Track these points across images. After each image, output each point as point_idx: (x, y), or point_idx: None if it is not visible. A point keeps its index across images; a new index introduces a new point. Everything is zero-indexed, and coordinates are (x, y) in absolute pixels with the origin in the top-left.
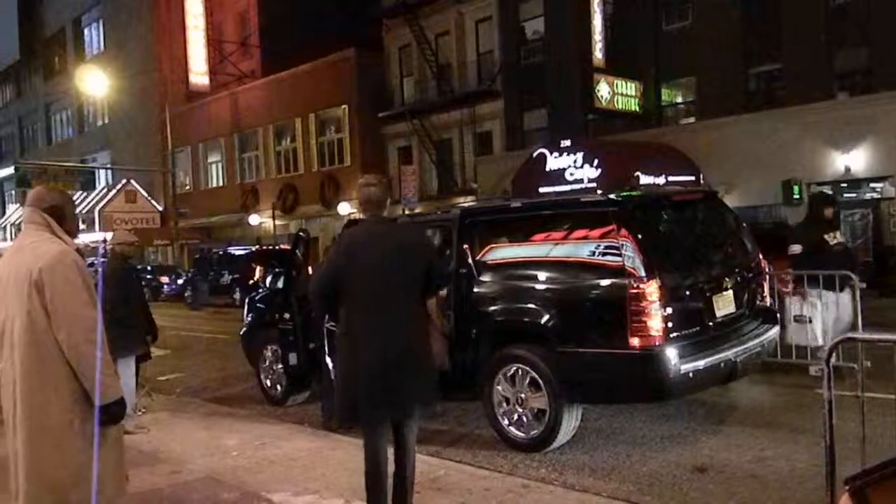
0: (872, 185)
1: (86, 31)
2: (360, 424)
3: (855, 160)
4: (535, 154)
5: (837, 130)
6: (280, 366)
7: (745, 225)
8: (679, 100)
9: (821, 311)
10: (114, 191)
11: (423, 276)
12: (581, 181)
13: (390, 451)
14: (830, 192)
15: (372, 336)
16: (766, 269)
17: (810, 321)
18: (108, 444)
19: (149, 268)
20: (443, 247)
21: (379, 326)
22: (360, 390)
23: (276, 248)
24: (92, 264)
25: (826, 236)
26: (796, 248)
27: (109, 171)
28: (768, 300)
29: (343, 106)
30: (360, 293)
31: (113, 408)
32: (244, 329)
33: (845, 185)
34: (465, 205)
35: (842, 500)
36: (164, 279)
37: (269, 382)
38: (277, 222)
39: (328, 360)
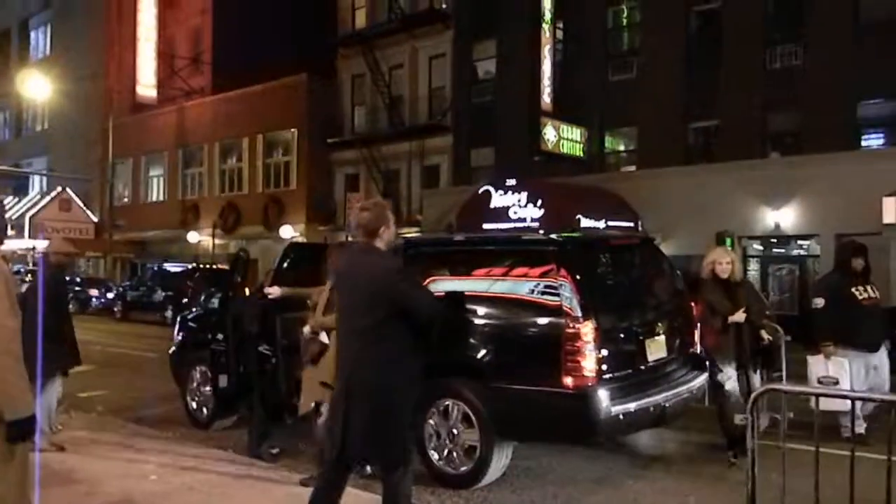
0: (800, 242)
1: (32, 34)
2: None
3: (784, 217)
4: (480, 190)
5: (769, 188)
6: (208, 388)
7: (678, 272)
8: (621, 148)
9: (849, 371)
10: (47, 198)
11: (388, 314)
12: (524, 220)
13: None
14: (862, 243)
15: (341, 369)
16: (697, 317)
17: (836, 383)
18: (14, 462)
19: (78, 279)
20: None
21: (345, 362)
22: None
23: (215, 267)
24: (18, 272)
25: (854, 290)
26: (819, 302)
27: (44, 178)
28: (698, 347)
29: (292, 129)
30: (339, 324)
31: (23, 424)
32: (173, 348)
33: (774, 240)
34: (409, 236)
35: None
36: (94, 292)
37: (195, 405)
38: (217, 241)
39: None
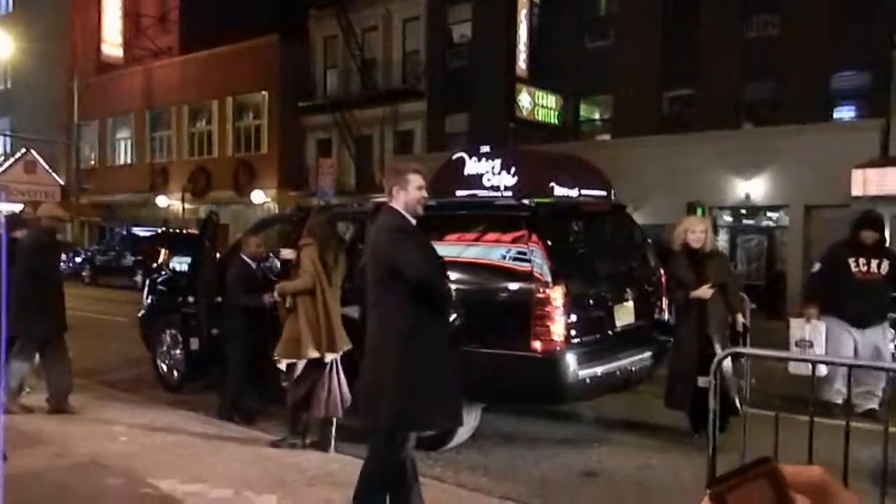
0: (769, 213)
1: None
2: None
3: (755, 188)
4: (454, 157)
5: (741, 158)
6: (178, 351)
7: (649, 240)
8: (596, 116)
9: (824, 334)
10: (11, 160)
11: (384, 274)
12: (498, 188)
13: None
14: (877, 214)
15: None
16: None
17: (811, 346)
18: None
19: None
20: (355, 240)
21: (366, 321)
22: None
23: (184, 231)
24: None
25: (852, 260)
26: (815, 267)
27: (8, 139)
28: (665, 314)
29: (263, 92)
30: None
31: None
32: (143, 312)
33: (745, 211)
34: (381, 199)
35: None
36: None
37: (165, 367)
38: (187, 206)
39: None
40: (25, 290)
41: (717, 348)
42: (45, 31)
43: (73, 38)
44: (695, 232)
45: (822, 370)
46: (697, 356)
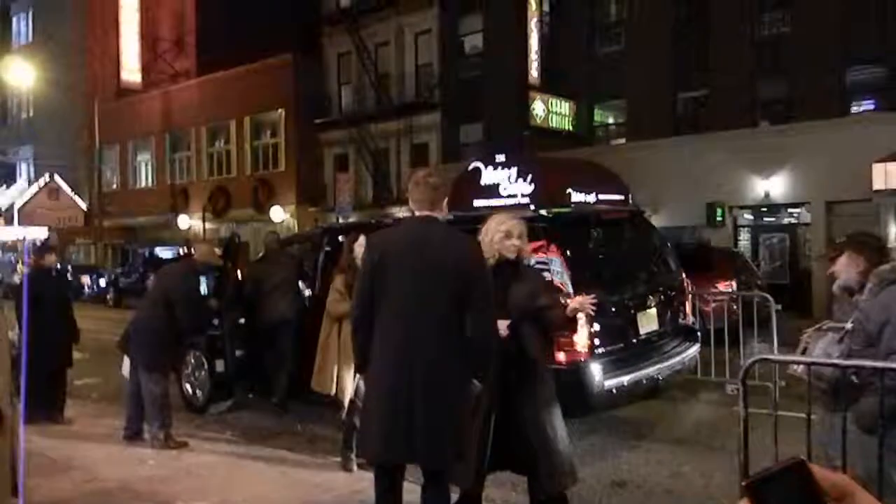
0: (790, 210)
1: (14, 21)
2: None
3: (774, 186)
4: (470, 167)
5: (759, 157)
6: (202, 372)
7: (668, 245)
8: (610, 120)
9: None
10: (35, 187)
11: (455, 298)
12: (515, 196)
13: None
14: None
15: (396, 355)
16: (689, 288)
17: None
18: None
19: (69, 267)
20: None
21: (403, 346)
22: (373, 421)
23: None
24: (10, 262)
25: None
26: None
27: (32, 166)
28: (690, 318)
29: (279, 110)
30: (387, 302)
31: None
32: None
33: (765, 209)
34: (400, 214)
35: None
36: (86, 279)
37: (190, 389)
38: (208, 225)
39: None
40: (165, 320)
41: (530, 409)
42: (65, 60)
43: (93, 66)
44: (512, 236)
45: None
46: (496, 418)
